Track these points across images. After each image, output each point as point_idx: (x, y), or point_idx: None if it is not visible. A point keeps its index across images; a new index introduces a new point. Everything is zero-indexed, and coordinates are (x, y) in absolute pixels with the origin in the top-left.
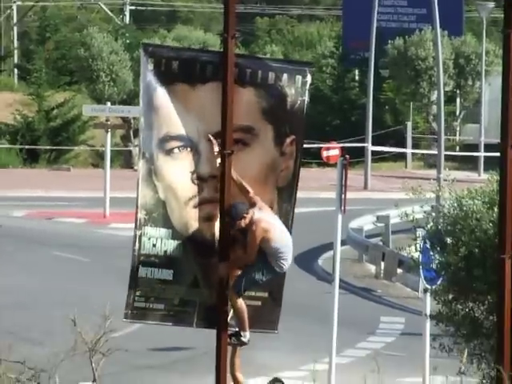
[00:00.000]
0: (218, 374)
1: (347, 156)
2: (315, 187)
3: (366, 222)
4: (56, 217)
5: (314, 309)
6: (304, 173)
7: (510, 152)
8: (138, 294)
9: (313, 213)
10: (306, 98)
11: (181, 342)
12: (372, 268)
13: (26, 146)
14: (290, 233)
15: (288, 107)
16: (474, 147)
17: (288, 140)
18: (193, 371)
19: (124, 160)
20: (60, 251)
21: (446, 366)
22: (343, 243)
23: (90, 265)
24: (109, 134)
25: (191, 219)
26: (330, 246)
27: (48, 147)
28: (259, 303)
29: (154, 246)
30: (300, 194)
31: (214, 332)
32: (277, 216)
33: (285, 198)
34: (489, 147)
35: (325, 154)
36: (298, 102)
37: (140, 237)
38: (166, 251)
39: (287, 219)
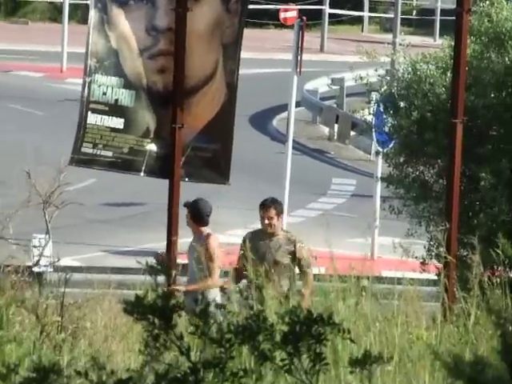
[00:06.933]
0: (169, 225)
1: (304, 18)
2: (272, 48)
3: (321, 84)
4: (13, 70)
5: (267, 168)
6: (261, 34)
7: (465, 17)
8: (86, 139)
9: (268, 74)
10: None
11: (134, 198)
12: (325, 130)
13: None
14: (236, 92)
15: None
16: (431, 12)
17: None
18: (144, 225)
19: (81, 15)
20: (15, 104)
21: (395, 227)
22: (298, 105)
23: (44, 118)
24: None
25: (145, 70)
26: (284, 107)
27: None
28: (210, 155)
29: (105, 94)
30: (256, 55)
31: (166, 189)
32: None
33: (229, 56)
34: (445, 12)
35: (282, 15)
36: None
37: (90, 83)
38: (116, 100)
39: (232, 78)
